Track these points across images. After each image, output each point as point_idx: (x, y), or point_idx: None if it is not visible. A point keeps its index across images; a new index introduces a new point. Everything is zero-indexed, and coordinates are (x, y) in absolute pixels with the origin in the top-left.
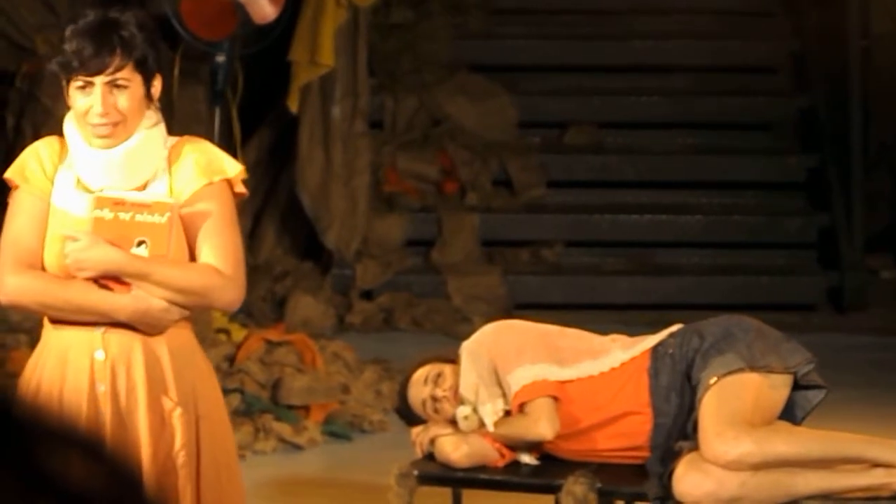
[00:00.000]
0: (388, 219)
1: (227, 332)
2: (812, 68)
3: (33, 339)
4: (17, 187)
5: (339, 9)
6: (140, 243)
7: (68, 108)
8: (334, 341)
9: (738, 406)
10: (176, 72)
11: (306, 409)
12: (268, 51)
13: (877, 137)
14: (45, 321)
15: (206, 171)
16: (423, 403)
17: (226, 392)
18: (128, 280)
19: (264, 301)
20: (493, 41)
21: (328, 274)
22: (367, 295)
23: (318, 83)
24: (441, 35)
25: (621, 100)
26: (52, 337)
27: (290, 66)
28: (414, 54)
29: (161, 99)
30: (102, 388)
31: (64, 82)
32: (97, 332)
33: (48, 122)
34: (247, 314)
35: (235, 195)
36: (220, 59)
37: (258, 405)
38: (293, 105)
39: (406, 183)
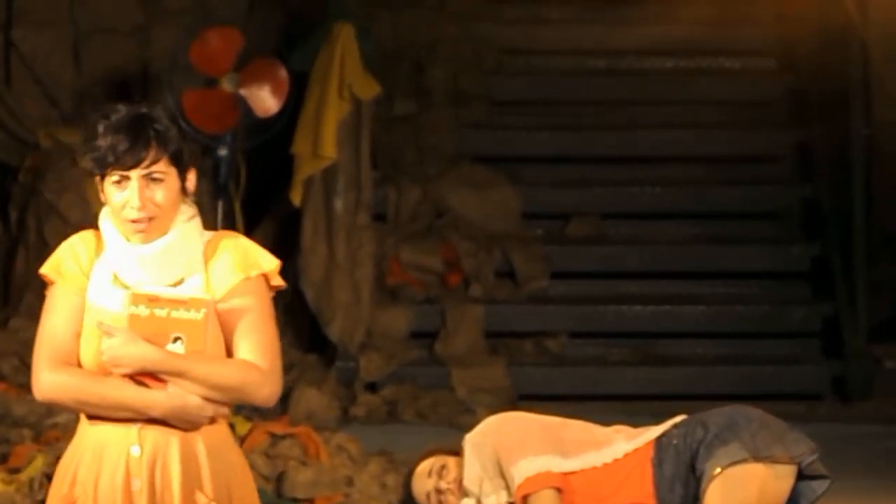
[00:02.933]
0: (392, 311)
1: (231, 425)
2: (815, 157)
3: (36, 433)
4: (52, 283)
5: (341, 101)
6: (176, 339)
7: (103, 204)
8: (339, 433)
9: (743, 496)
10: None
11: (311, 501)
12: (270, 143)
13: (880, 226)
14: (82, 417)
15: (242, 266)
16: (428, 496)
17: None
18: (164, 377)
19: None
20: (496, 132)
21: (332, 366)
22: (372, 387)
23: (320, 176)
24: (444, 127)
25: (624, 190)
26: (89, 432)
27: (293, 158)
28: (417, 146)
29: None
30: (138, 483)
31: (98, 178)
32: (133, 428)
33: (51, 216)
34: (251, 407)
35: (272, 288)
36: (223, 152)
37: (263, 499)
38: (296, 198)
39: (409, 275)
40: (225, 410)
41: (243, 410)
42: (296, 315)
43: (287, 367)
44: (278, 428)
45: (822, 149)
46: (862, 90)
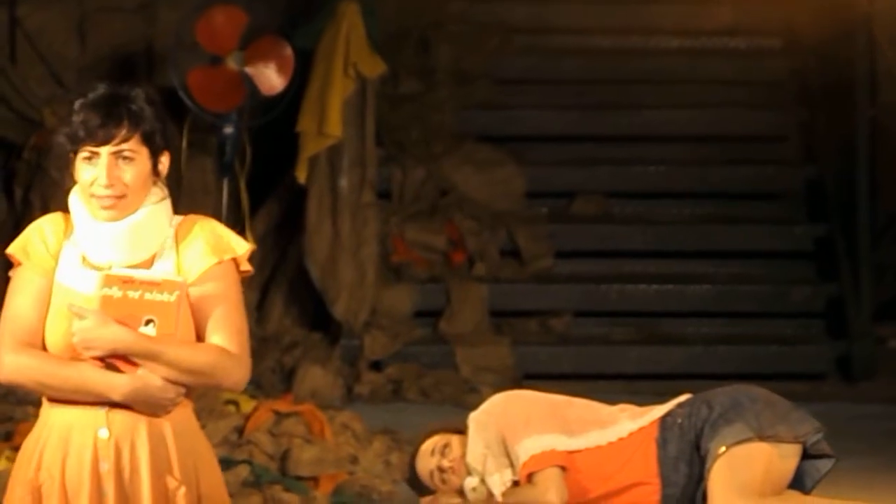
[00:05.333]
0: (397, 289)
1: (235, 403)
2: (820, 138)
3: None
4: (19, 263)
5: (346, 80)
6: (148, 322)
7: (74, 183)
8: (343, 412)
9: (748, 476)
10: (184, 144)
11: (315, 480)
12: (276, 122)
13: (884, 207)
14: (44, 400)
15: (215, 250)
16: (431, 474)
17: (235, 463)
18: (135, 360)
19: (273, 372)
20: (501, 111)
21: (337, 345)
22: (376, 366)
23: (325, 154)
24: (449, 105)
25: (629, 169)
26: (53, 415)
27: (298, 136)
28: (422, 125)
29: (170, 171)
30: (106, 466)
31: (71, 154)
32: (101, 411)
33: (56, 193)
34: (255, 385)
35: (241, 273)
36: (228, 130)
37: (267, 476)
38: (301, 176)
39: (414, 253)
40: (182, 390)
41: (248, 388)
42: (300, 293)
43: (291, 346)
44: (282, 406)
45: (826, 129)
46: (867, 71)
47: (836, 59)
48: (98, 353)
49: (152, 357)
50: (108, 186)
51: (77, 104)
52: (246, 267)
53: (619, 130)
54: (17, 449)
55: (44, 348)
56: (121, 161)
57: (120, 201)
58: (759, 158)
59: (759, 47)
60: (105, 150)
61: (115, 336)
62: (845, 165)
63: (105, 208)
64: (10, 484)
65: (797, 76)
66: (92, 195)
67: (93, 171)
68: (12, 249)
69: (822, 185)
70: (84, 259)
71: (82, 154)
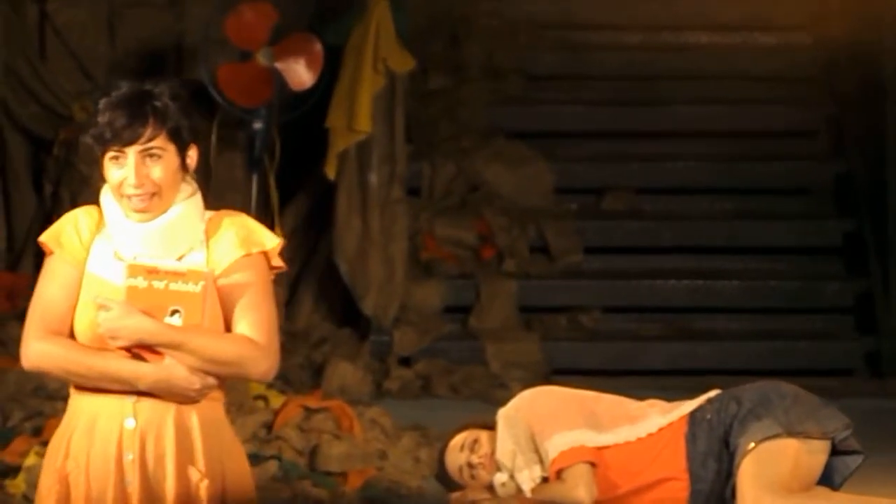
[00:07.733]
0: (426, 285)
1: (264, 398)
2: (849, 133)
3: None
4: (51, 252)
5: (376, 75)
6: (174, 312)
7: (104, 181)
8: (372, 408)
9: (777, 472)
10: (213, 139)
11: (344, 475)
12: (305, 117)
13: None
14: (72, 389)
15: (244, 243)
16: (460, 470)
17: (263, 459)
18: (161, 350)
19: (302, 368)
20: (531, 107)
21: (366, 340)
22: (405, 361)
23: (355, 150)
24: (478, 101)
25: (658, 165)
26: (81, 403)
27: (328, 132)
28: (451, 120)
29: (199, 166)
30: (130, 456)
31: (99, 154)
32: (128, 401)
33: (85, 189)
34: (284, 381)
35: (273, 269)
36: (258, 125)
37: (296, 472)
38: (330, 172)
39: (443, 249)
40: (212, 381)
41: (277, 383)
42: (329, 289)
43: (320, 342)
44: (312, 401)
45: (855, 125)
46: None
47: (866, 55)
48: (123, 343)
49: (177, 347)
50: (138, 186)
51: (102, 104)
52: (278, 263)
53: (649, 126)
54: (45, 444)
55: (72, 336)
56: (148, 159)
57: (152, 200)
58: (789, 154)
59: (789, 43)
60: (132, 150)
61: (139, 326)
62: (875, 161)
63: (138, 210)
64: (42, 473)
65: (827, 71)
66: (123, 195)
67: (121, 171)
68: (45, 238)
69: (852, 180)
70: (116, 253)
71: (110, 154)
